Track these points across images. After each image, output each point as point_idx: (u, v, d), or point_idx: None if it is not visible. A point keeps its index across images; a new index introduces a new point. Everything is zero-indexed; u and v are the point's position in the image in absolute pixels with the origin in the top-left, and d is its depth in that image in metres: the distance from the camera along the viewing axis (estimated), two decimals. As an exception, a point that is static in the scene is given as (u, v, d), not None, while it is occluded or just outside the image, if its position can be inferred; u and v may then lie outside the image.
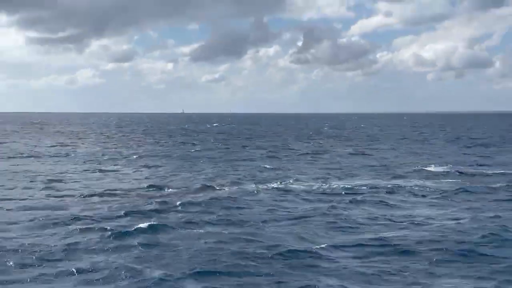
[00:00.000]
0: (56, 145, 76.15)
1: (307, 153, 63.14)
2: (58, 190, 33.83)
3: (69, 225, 23.46)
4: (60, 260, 18.52)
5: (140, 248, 19.94)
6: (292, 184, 36.10)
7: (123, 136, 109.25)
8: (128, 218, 25.03)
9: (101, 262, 18.08)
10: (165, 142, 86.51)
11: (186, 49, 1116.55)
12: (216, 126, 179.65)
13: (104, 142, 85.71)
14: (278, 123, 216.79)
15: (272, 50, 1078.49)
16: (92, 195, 31.47)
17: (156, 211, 26.74)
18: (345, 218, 25.24)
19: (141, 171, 45.13)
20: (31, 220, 24.35)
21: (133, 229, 22.47)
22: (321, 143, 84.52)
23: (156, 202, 29.09)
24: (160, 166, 48.39)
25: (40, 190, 33.68)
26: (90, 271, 17.26)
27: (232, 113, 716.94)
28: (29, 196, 31.41)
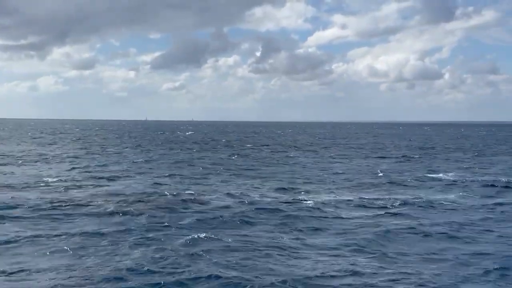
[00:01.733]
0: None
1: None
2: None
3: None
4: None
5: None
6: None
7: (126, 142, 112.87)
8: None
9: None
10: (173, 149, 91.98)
11: (147, 58, 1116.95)
12: (192, 134, 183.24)
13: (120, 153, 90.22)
14: (255, 131, 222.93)
15: (231, 59, 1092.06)
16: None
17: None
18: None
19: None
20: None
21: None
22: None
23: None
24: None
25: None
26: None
27: (195, 121, 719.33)
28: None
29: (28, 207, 31.52)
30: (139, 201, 34.51)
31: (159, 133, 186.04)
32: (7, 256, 21.58)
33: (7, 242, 23.60)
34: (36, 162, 62.13)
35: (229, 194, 37.97)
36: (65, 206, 32.36)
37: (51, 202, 33.39)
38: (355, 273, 19.73)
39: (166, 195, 37.00)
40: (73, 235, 24.90)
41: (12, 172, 50.13)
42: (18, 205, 32.26)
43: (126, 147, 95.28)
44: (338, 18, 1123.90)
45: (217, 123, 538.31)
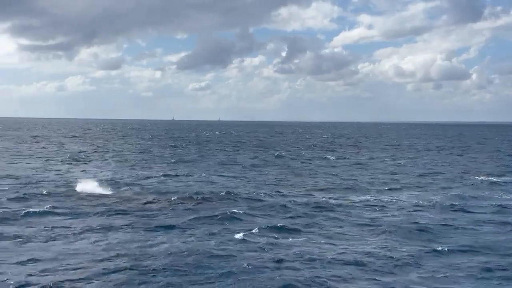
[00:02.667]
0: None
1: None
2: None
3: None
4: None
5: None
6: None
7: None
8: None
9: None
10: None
11: (173, 58, 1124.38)
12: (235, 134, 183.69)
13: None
14: (287, 131, 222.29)
15: (257, 60, 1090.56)
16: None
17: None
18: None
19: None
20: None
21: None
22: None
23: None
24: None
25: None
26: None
27: (221, 120, 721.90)
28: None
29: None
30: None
31: (203, 132, 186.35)
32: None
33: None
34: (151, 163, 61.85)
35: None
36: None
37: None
38: None
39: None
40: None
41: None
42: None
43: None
44: (364, 18, 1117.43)
45: (243, 123, 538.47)
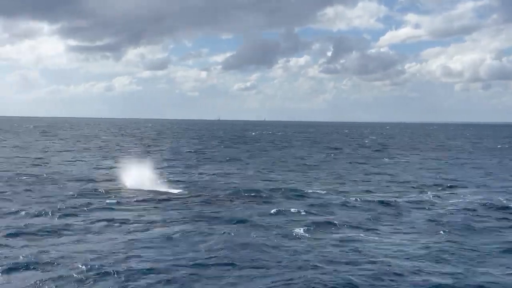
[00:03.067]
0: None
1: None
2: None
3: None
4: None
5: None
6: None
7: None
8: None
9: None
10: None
11: (218, 58, 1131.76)
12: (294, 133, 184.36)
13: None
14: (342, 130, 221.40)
15: (302, 60, 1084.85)
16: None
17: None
18: None
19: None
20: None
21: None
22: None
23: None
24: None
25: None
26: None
27: (266, 121, 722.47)
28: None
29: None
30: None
31: (251, 133, 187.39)
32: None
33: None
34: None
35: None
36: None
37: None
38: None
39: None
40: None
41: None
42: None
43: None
44: (411, 17, 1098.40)
45: (288, 123, 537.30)
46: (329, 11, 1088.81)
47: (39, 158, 60.26)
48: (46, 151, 71.63)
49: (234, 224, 26.43)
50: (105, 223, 26.35)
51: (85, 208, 29.88)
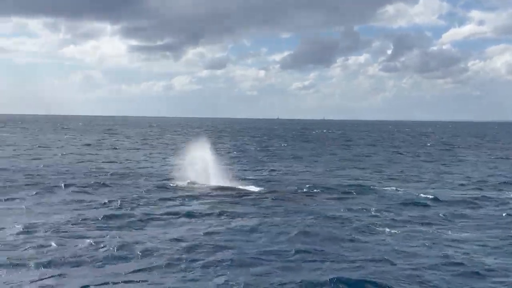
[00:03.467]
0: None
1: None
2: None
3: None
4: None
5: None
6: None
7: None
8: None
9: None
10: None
11: (277, 57, 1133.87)
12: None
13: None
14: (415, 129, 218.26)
15: (361, 58, 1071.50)
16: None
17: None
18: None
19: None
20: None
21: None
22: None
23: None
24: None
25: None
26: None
27: (326, 120, 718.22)
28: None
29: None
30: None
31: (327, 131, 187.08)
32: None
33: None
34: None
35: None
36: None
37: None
38: None
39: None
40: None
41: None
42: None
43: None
44: (475, 14, 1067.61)
45: (348, 122, 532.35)
46: (390, 8, 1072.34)
47: (110, 155, 62.04)
48: (116, 148, 73.48)
49: (313, 218, 26.54)
50: (185, 216, 27.03)
51: (163, 202, 30.79)
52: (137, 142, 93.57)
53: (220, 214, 27.42)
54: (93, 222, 24.98)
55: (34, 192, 32.86)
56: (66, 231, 22.86)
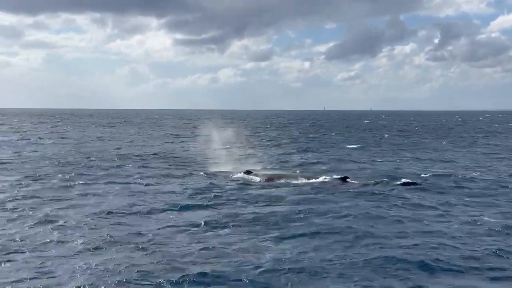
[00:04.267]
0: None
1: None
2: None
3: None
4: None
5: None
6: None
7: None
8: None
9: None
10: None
11: (321, 48, 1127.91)
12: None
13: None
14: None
15: (408, 47, 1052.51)
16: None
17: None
18: None
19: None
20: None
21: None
22: None
23: None
24: None
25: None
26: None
27: (373, 110, 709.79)
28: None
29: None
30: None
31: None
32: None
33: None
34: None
35: None
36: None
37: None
38: None
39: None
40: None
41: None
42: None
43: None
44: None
45: (394, 112, 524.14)
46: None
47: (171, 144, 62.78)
48: (171, 142, 73.74)
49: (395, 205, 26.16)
50: (249, 203, 26.85)
51: (223, 187, 31.46)
52: (191, 134, 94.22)
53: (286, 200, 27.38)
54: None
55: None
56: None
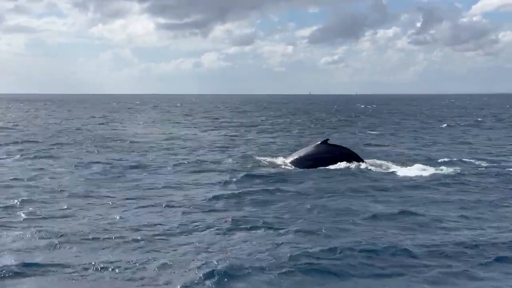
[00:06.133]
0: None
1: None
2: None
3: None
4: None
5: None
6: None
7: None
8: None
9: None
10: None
11: (305, 32, 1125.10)
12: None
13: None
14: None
15: (390, 31, 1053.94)
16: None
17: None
18: None
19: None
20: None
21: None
22: None
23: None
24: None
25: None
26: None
27: (358, 94, 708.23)
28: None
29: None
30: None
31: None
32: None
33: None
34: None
35: None
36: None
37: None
38: None
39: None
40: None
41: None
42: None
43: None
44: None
45: (380, 96, 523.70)
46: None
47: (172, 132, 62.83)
48: (173, 128, 73.36)
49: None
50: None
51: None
52: (185, 119, 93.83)
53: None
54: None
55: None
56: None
